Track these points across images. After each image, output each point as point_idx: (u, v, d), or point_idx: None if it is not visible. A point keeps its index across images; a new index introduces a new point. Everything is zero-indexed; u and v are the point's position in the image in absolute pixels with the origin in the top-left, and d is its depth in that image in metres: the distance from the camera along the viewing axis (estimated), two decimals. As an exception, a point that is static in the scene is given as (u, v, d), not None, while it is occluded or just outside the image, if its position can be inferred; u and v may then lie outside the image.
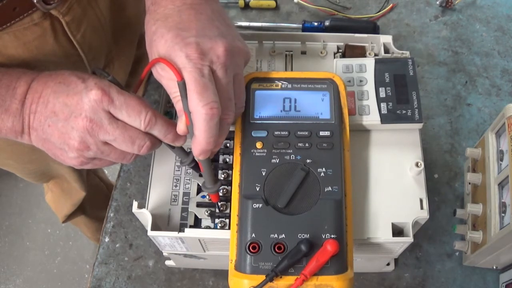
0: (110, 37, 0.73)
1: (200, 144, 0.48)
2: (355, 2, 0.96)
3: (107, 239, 0.75)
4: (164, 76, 0.48)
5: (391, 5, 0.95)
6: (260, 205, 0.51)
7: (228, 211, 0.56)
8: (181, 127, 0.50)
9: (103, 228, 0.76)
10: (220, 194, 0.56)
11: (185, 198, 0.58)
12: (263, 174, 0.52)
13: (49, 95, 0.49)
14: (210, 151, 0.49)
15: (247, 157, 0.53)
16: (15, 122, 0.51)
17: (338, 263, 0.49)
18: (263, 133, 0.54)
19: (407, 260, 0.73)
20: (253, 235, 0.50)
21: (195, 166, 0.54)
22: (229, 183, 0.56)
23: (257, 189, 0.52)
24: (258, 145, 0.53)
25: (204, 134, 0.47)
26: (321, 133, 0.54)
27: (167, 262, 0.72)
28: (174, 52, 0.47)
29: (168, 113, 0.61)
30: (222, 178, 0.57)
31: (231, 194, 0.53)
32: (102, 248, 0.75)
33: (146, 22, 0.51)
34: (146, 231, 0.55)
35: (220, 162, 0.58)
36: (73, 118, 0.48)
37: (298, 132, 0.54)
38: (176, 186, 0.59)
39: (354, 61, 0.62)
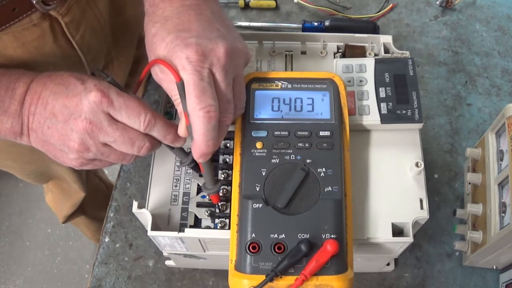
0: (109, 38, 0.73)
1: (199, 147, 0.48)
2: (355, 2, 0.96)
3: (107, 239, 0.75)
4: (164, 79, 0.48)
5: (391, 5, 0.95)
6: (260, 205, 0.51)
7: (228, 211, 0.56)
8: (181, 129, 0.50)
9: (103, 228, 0.76)
10: (220, 194, 0.56)
11: (185, 198, 0.58)
12: (263, 174, 0.52)
13: (48, 97, 0.49)
14: (210, 153, 0.49)
15: (247, 157, 0.53)
16: (14, 124, 0.51)
17: (338, 263, 0.49)
18: (263, 133, 0.54)
19: (407, 260, 0.73)
20: (253, 235, 0.50)
21: (195, 166, 0.54)
22: (229, 183, 0.56)
23: (257, 189, 0.52)
24: (258, 145, 0.53)
25: (203, 137, 0.47)
26: (321, 133, 0.54)
27: (167, 262, 0.72)
28: (175, 53, 0.46)
29: (168, 113, 0.61)
30: (222, 178, 0.57)
31: (231, 194, 0.53)
32: (102, 248, 0.75)
33: (145, 24, 0.51)
34: (146, 231, 0.55)
35: (220, 162, 0.58)
36: (72, 120, 0.48)
37: (298, 132, 0.54)
38: (176, 186, 0.59)
39: (354, 61, 0.62)
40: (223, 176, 0.57)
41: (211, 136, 0.47)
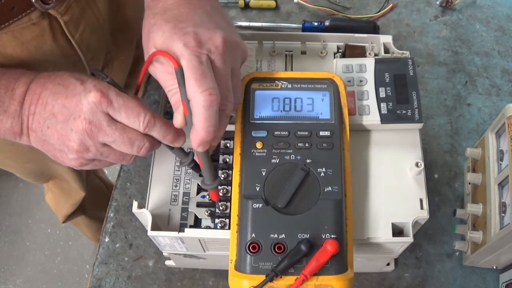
0: (109, 37, 0.73)
1: (199, 133, 0.47)
2: (355, 2, 0.96)
3: (107, 239, 0.75)
4: (159, 69, 0.48)
5: (391, 5, 0.95)
6: (260, 205, 0.51)
7: (228, 211, 0.56)
8: (178, 119, 0.48)
9: (103, 228, 0.76)
10: (220, 194, 0.56)
11: (185, 198, 0.58)
12: (263, 174, 0.52)
13: (48, 97, 0.49)
14: (210, 142, 0.48)
15: (247, 157, 0.53)
16: (14, 123, 0.51)
17: (338, 263, 0.49)
18: (263, 133, 0.54)
19: (407, 260, 0.73)
20: (253, 235, 0.50)
21: (195, 166, 0.54)
22: (229, 183, 0.56)
23: (257, 189, 0.52)
24: (258, 145, 0.53)
25: (204, 123, 0.46)
26: (321, 133, 0.54)
27: (167, 262, 0.72)
28: (172, 41, 0.46)
29: (168, 113, 0.61)
30: (222, 178, 0.57)
31: (231, 194, 0.53)
32: (102, 248, 0.75)
33: (145, 17, 0.51)
34: (146, 231, 0.55)
35: (220, 162, 0.58)
36: (72, 120, 0.48)
37: (298, 132, 0.54)
38: (176, 186, 0.59)
39: (354, 61, 0.62)
40: (223, 176, 0.57)
41: (212, 122, 0.46)
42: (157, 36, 0.48)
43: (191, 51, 0.46)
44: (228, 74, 0.49)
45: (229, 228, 0.55)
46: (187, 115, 0.48)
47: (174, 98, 0.48)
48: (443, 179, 0.79)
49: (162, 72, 0.48)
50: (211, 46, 0.47)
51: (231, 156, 0.58)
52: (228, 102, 0.49)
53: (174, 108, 0.49)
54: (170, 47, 0.46)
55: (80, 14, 0.63)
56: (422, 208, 0.56)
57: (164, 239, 0.57)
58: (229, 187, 0.56)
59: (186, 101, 0.47)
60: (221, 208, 0.56)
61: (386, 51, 0.65)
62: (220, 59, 0.47)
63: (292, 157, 0.53)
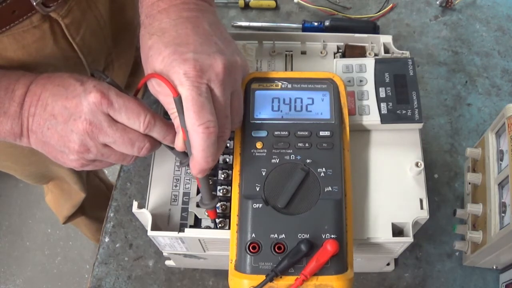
0: (110, 39, 0.73)
1: (198, 163, 0.48)
2: (355, 2, 0.96)
3: (107, 239, 0.75)
4: (161, 92, 0.48)
5: (391, 5, 0.95)
6: (260, 205, 0.51)
7: (228, 211, 0.56)
8: (178, 143, 0.49)
9: (103, 228, 0.76)
10: (220, 194, 0.56)
11: (185, 198, 0.58)
12: (263, 174, 0.52)
13: (48, 98, 0.49)
14: (209, 170, 0.49)
15: (247, 157, 0.53)
16: (14, 125, 0.51)
17: (338, 263, 0.49)
18: (263, 133, 0.54)
19: (407, 260, 0.73)
20: (253, 235, 0.50)
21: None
22: (229, 183, 0.56)
23: (257, 189, 0.52)
24: (258, 145, 0.53)
25: (202, 153, 0.47)
26: (321, 133, 0.54)
27: (167, 262, 0.72)
28: (172, 68, 0.46)
29: (167, 114, 0.61)
30: (222, 178, 0.57)
31: (231, 194, 0.53)
32: (102, 248, 0.75)
33: (141, 36, 0.51)
34: (146, 231, 0.55)
35: (220, 162, 0.58)
36: (72, 121, 0.48)
37: (298, 132, 0.54)
38: (176, 186, 0.59)
39: (354, 61, 0.62)
40: (223, 176, 0.57)
41: (211, 152, 0.47)
42: (157, 61, 0.47)
43: (191, 81, 0.46)
44: (227, 100, 0.49)
45: (229, 228, 0.55)
46: (186, 140, 0.48)
47: (176, 121, 0.48)
48: (443, 179, 0.79)
49: (165, 96, 0.48)
50: (211, 74, 0.47)
51: (231, 156, 0.58)
52: (226, 129, 0.49)
53: (176, 131, 0.49)
54: (170, 75, 0.46)
55: (81, 17, 0.63)
56: (422, 208, 0.56)
57: (164, 239, 0.57)
58: (229, 187, 0.56)
59: (184, 127, 0.47)
60: (221, 208, 0.56)
61: (386, 51, 0.65)
62: (220, 88, 0.47)
63: (292, 157, 0.53)
